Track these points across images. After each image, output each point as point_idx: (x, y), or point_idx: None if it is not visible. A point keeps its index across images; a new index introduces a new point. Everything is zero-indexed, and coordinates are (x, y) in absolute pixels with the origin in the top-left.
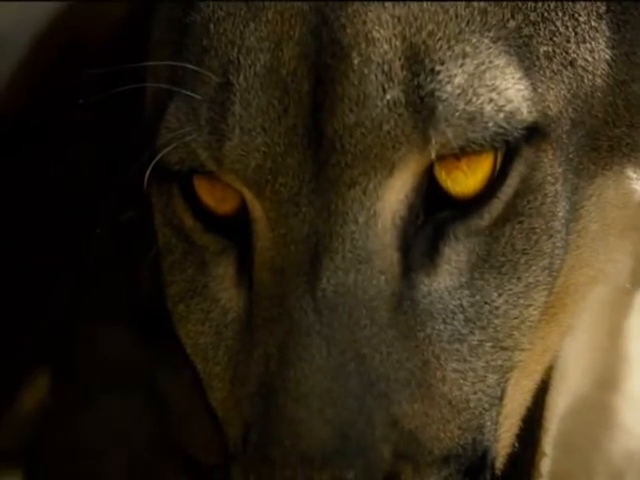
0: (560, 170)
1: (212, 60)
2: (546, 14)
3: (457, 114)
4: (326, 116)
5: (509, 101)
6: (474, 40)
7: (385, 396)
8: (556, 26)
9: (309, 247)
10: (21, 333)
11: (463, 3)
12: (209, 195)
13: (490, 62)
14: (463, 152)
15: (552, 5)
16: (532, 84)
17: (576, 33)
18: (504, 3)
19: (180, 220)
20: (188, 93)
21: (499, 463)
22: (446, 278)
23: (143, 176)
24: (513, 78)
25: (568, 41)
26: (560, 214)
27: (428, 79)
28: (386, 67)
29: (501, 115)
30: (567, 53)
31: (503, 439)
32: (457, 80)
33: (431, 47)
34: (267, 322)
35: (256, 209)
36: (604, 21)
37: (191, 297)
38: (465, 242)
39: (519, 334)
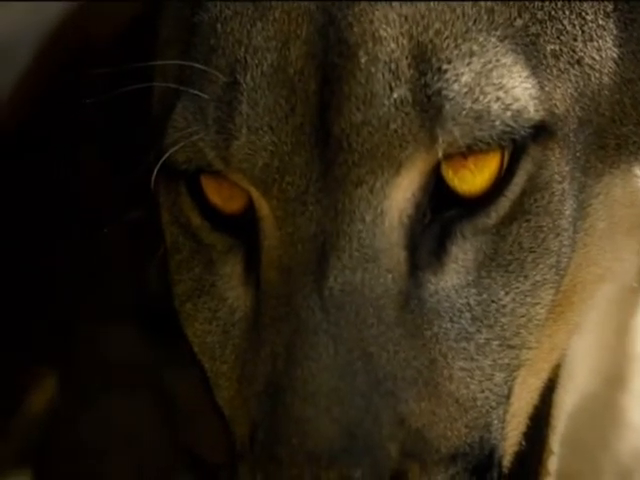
0: (567, 168)
1: (219, 59)
2: (553, 12)
3: (464, 113)
4: (333, 115)
5: (516, 100)
6: (481, 39)
7: (392, 394)
8: (563, 25)
9: (316, 246)
10: (28, 335)
11: (470, 2)
12: (216, 194)
13: (497, 61)
14: (470, 151)
15: (559, 4)
16: (539, 82)
17: (583, 32)
18: (511, 2)
19: (187, 219)
20: (195, 92)
21: (506, 461)
22: (453, 276)
23: (150, 175)
24: (520, 76)
25: (575, 39)
26: (567, 212)
27: (435, 78)
28: (393, 66)
29: (508, 113)
30: (574, 51)
31: (510, 437)
32: (464, 79)
33: (438, 46)
34: (274, 321)
35: (263, 208)
36: (611, 19)
37: (198, 296)
38: (472, 240)
39: (526, 332)
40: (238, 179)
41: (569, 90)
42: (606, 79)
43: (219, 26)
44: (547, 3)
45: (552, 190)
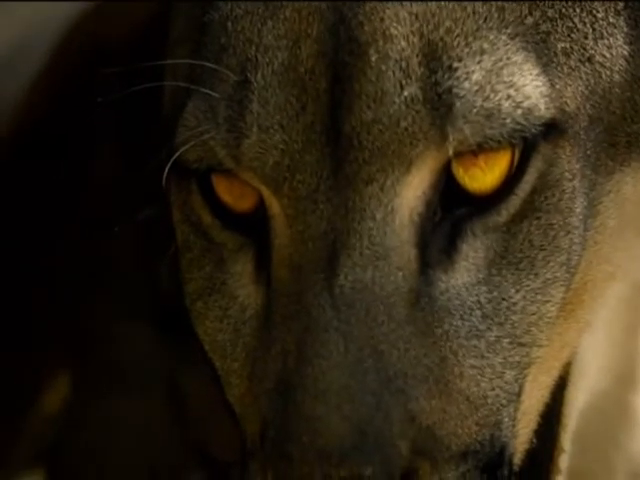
0: (578, 166)
1: (230, 58)
2: (564, 10)
3: (475, 111)
4: (344, 113)
5: (527, 97)
6: (492, 37)
7: (403, 392)
8: (574, 22)
9: (327, 244)
10: (42, 335)
11: (481, 0)
12: (227, 193)
13: (508, 59)
14: (480, 149)
15: (570, 2)
16: (550, 80)
17: (594, 29)
18: (522, 0)
19: (198, 217)
20: (206, 91)
21: (517, 459)
22: (463, 274)
23: (162, 174)
24: (531, 74)
25: (586, 37)
26: (578, 210)
27: (446, 76)
28: (403, 64)
29: (519, 111)
30: (585, 49)
31: (521, 435)
32: (475, 77)
33: (449, 44)
34: (285, 319)
35: (274, 206)
36: (622, 17)
37: (209, 294)
38: (482, 238)
39: (537, 330)
40: (249, 178)
41: (580, 88)
42: (617, 77)
43: (230, 25)
44: (558, 1)
45: (562, 188)
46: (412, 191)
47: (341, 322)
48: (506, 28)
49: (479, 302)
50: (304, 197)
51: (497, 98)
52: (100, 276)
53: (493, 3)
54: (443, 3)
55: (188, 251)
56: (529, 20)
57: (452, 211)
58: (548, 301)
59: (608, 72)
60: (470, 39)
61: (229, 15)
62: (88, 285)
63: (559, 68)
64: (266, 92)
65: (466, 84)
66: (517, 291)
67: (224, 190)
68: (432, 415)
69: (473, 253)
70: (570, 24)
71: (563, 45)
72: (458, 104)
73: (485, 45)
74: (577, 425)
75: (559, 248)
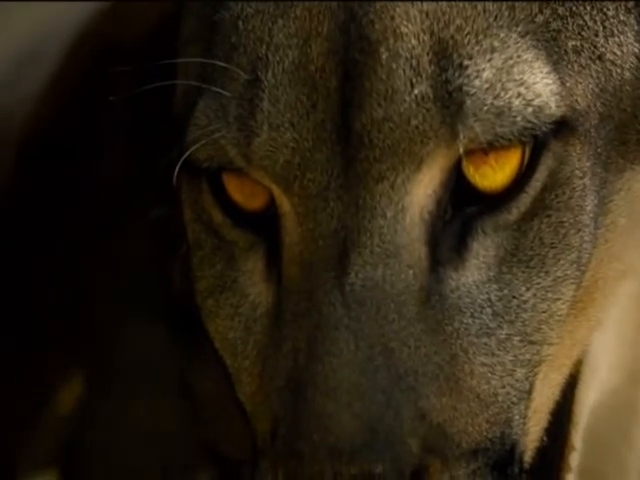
0: (588, 164)
1: (241, 57)
2: (574, 8)
3: (485, 109)
4: (354, 111)
5: (537, 95)
6: (502, 35)
7: (413, 390)
8: (584, 20)
9: (337, 242)
10: (57, 334)
11: None
12: (238, 191)
13: (518, 56)
14: (491, 147)
15: (580, 0)
16: (560, 78)
17: (604, 27)
18: None
19: (209, 215)
20: (217, 90)
21: (528, 457)
22: (474, 272)
23: (172, 173)
24: (541, 72)
25: (596, 35)
26: (588, 208)
27: (456, 74)
28: (414, 62)
29: (529, 109)
30: (595, 47)
31: (532, 433)
32: (485, 75)
33: (459, 42)
34: (296, 316)
35: (284, 204)
36: (632, 15)
37: (220, 292)
38: (493, 237)
39: (547, 328)
40: (259, 176)
41: (590, 86)
42: (628, 75)
43: (240, 24)
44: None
45: (573, 186)
46: (423, 189)
47: (352, 320)
48: (516, 26)
49: (489, 300)
50: (315, 195)
51: (507, 96)
52: (113, 276)
53: (503, 1)
54: (453, 2)
55: (199, 249)
56: (539, 18)
57: (462, 209)
58: (559, 299)
59: (619, 70)
60: (480, 37)
61: (240, 14)
62: (101, 285)
63: (570, 66)
64: (277, 90)
65: (476, 82)
66: (528, 289)
67: (235, 189)
68: (443, 413)
69: (483, 251)
70: (581, 22)
71: (574, 43)
72: (468, 102)
73: (495, 43)
74: (588, 423)
75: (570, 246)
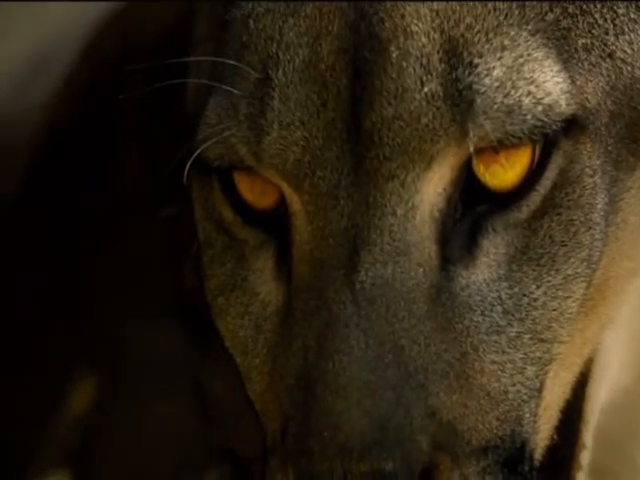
0: (599, 162)
1: (252, 56)
2: (584, 6)
3: (495, 107)
4: (364, 109)
5: (547, 94)
6: (512, 33)
7: (423, 387)
8: (594, 18)
9: (347, 240)
10: (68, 335)
11: None
12: (248, 190)
13: (528, 55)
14: (501, 145)
15: None
16: (570, 76)
17: (615, 25)
18: None
19: (220, 214)
20: (227, 88)
21: (538, 455)
22: (484, 270)
23: (183, 172)
24: (551, 71)
25: (607, 33)
26: (599, 206)
27: (466, 72)
28: (424, 60)
29: (539, 108)
30: (606, 45)
31: (542, 431)
32: (495, 73)
33: (469, 40)
34: (306, 315)
35: (295, 203)
36: None
37: (231, 290)
38: (503, 235)
39: (558, 326)
40: (270, 175)
41: (601, 84)
42: (638, 72)
43: (251, 23)
44: None
45: (583, 184)
46: (433, 187)
47: (362, 318)
48: (527, 24)
49: (500, 298)
50: (325, 193)
51: (518, 94)
52: (125, 275)
53: (514, 0)
54: (464, 0)
55: (210, 248)
56: (550, 16)
57: (473, 207)
58: (569, 297)
59: (629, 68)
60: (491, 35)
61: (250, 13)
62: (112, 284)
63: (580, 64)
64: (287, 89)
65: (487, 80)
66: (538, 287)
67: (245, 188)
68: (453, 410)
69: (494, 249)
70: (591, 20)
71: (584, 41)
72: (479, 100)
73: (506, 41)
74: (599, 421)
75: (580, 244)
